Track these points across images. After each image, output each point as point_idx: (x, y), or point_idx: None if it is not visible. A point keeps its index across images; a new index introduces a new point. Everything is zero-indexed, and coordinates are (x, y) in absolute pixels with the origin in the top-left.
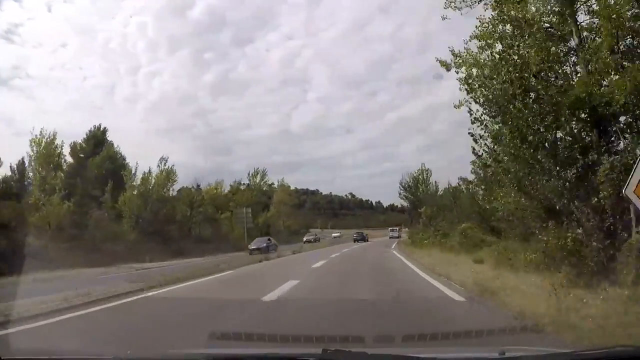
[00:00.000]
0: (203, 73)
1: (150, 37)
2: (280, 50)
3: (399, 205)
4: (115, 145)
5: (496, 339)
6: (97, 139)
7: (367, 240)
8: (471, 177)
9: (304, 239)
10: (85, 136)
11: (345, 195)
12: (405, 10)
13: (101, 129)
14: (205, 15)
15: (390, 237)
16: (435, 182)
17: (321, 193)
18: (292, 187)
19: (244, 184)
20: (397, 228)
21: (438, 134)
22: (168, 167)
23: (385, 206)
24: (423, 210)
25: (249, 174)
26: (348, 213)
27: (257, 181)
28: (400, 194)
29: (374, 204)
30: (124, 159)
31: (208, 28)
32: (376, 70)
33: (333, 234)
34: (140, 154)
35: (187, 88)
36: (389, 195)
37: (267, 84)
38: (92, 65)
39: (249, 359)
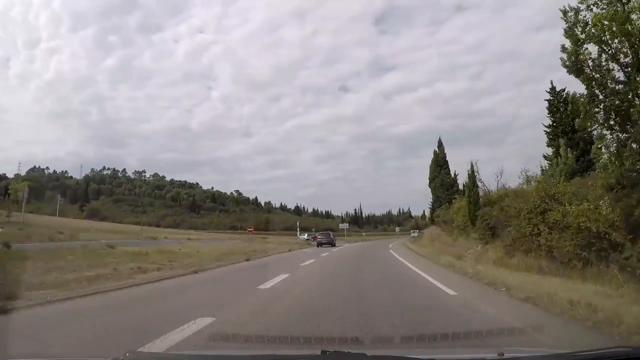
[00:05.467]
0: (105, 57)
1: (54, 10)
2: (189, 43)
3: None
4: None
5: (495, 339)
6: None
7: (334, 245)
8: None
9: None
10: None
11: (231, 192)
12: (321, 19)
13: None
14: None
15: (412, 237)
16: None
17: (201, 187)
18: (168, 178)
19: None
20: (418, 231)
21: (337, 146)
22: None
23: (275, 207)
24: None
25: None
26: (219, 208)
27: None
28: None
29: (263, 203)
30: None
31: (117, 9)
32: (282, 76)
33: None
34: (30, 139)
35: (86, 71)
36: (283, 197)
37: (170, 76)
38: None
39: None
